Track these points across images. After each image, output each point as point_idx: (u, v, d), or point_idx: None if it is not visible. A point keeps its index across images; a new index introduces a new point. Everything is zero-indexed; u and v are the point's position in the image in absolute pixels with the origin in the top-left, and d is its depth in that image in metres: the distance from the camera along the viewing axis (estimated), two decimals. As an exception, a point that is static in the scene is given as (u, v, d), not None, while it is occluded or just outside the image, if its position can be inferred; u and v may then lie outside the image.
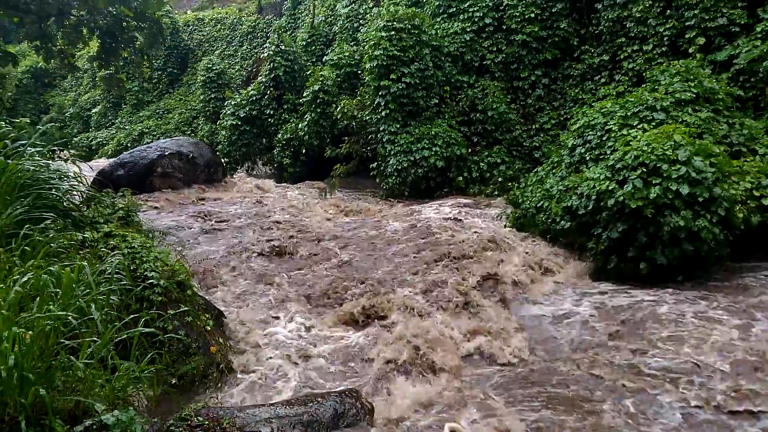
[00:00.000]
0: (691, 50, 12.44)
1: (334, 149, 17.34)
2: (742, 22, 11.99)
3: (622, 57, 13.96)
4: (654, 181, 7.76)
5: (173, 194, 14.06)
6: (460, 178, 14.53)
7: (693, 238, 7.61)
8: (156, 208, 12.43)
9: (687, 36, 12.66)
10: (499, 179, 14.21)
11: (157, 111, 28.98)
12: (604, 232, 8.28)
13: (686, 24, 12.70)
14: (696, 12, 12.50)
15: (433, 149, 14.30)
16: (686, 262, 7.82)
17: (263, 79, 20.68)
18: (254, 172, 21.10)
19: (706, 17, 12.35)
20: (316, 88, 17.77)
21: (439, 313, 7.21)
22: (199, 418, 4.13)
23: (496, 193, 13.97)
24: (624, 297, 7.70)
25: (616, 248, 8.21)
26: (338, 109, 16.72)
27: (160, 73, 30.50)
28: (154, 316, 5.23)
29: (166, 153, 15.65)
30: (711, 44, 12.35)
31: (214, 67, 24.39)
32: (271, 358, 6.20)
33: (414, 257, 9.17)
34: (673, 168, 7.74)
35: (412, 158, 14.41)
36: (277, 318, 7.26)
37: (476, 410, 5.35)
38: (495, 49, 15.64)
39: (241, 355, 6.22)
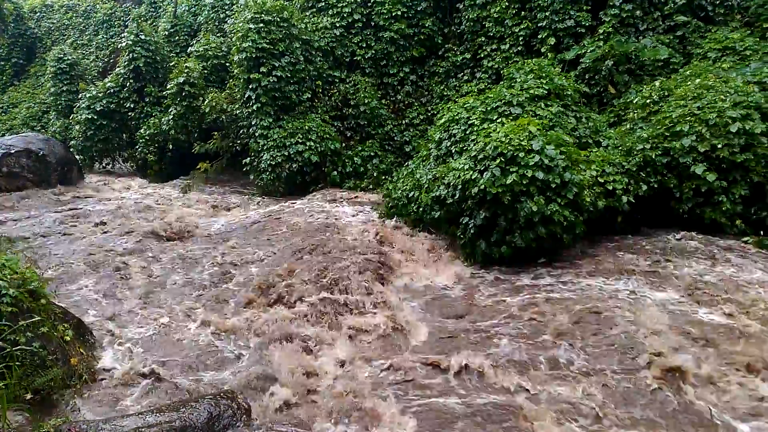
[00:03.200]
0: (543, 50, 13.44)
1: (203, 144, 16.62)
2: (587, 24, 13.15)
3: (482, 56, 14.77)
4: (511, 169, 8.29)
5: (21, 195, 12.89)
6: (335, 173, 14.60)
7: (546, 221, 8.24)
8: (3, 210, 11.33)
9: (539, 36, 13.66)
10: (374, 173, 14.47)
11: (1, 105, 26.30)
12: (470, 220, 8.72)
13: (539, 25, 13.70)
14: (547, 14, 13.51)
15: (308, 144, 14.24)
16: (544, 243, 8.43)
17: (122, 71, 19.47)
18: (115, 169, 19.82)
19: (556, 19, 13.40)
20: (181, 80, 16.97)
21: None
22: (58, 433, 3.86)
23: (371, 186, 14.20)
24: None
25: (482, 234, 8.67)
26: (206, 102, 16.08)
27: (3, 63, 27.76)
28: (2, 329, 4.79)
29: (12, 151, 14.40)
30: (560, 44, 13.43)
31: (66, 58, 22.41)
32: (139, 363, 5.88)
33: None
34: (528, 156, 8.31)
35: (286, 153, 14.25)
36: (143, 322, 6.91)
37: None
38: (365, 45, 15.86)
39: (106, 364, 5.85)
